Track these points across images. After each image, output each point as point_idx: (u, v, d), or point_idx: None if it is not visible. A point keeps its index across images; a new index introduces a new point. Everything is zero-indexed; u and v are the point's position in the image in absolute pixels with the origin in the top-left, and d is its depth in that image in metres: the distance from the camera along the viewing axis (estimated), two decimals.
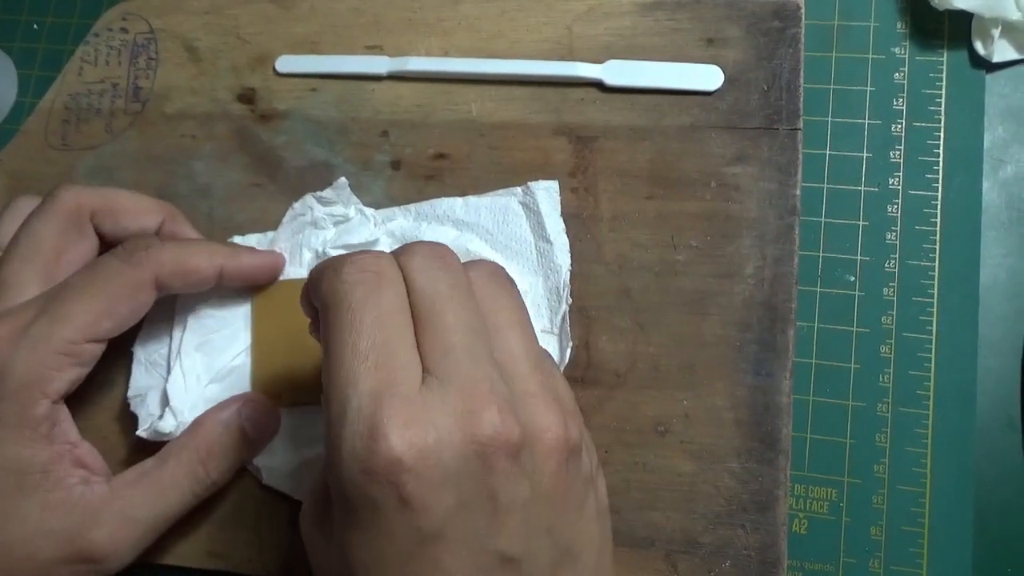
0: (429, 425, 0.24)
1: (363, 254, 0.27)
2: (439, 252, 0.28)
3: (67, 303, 0.32)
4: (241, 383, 0.38)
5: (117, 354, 0.39)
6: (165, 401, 0.36)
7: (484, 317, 0.27)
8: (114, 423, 0.38)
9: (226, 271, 0.36)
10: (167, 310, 0.38)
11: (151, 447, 0.36)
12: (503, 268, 0.29)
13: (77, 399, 0.34)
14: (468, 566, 0.24)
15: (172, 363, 0.37)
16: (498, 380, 0.25)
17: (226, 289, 0.38)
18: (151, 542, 0.34)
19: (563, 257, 0.37)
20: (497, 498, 0.24)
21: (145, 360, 0.38)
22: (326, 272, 0.27)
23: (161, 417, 0.36)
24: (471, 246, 0.38)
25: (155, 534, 0.34)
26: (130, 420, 0.37)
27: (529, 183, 0.39)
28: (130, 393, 0.37)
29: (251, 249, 0.38)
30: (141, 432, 0.36)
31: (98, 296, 0.33)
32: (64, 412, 0.34)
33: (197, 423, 0.35)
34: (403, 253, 0.27)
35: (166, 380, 0.37)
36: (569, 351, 0.36)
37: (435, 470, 0.23)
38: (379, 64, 0.42)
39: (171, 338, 0.38)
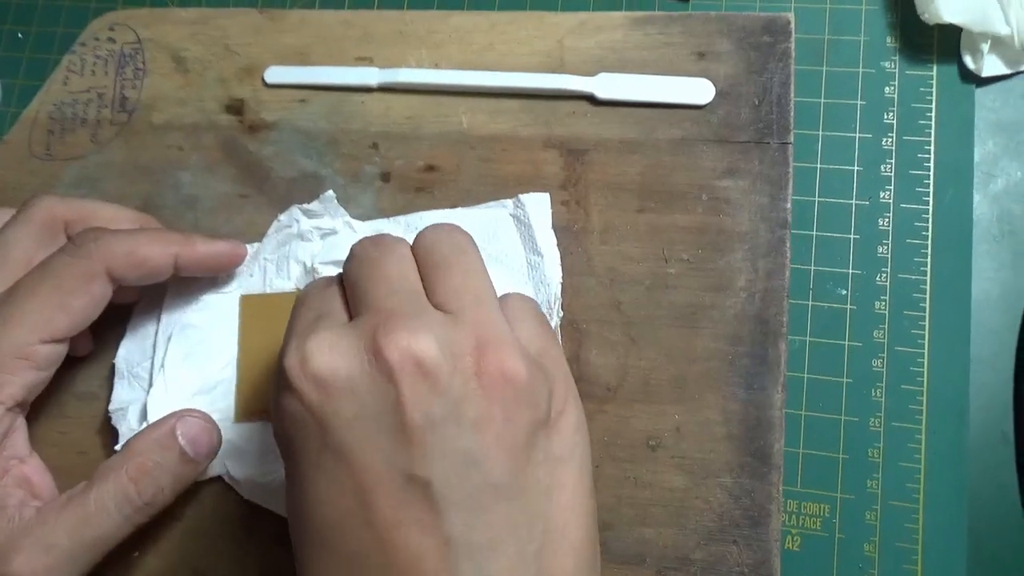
0: (336, 341, 0.25)
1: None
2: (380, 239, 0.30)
3: (17, 304, 0.32)
4: (227, 395, 0.37)
5: (99, 366, 0.38)
6: (144, 415, 0.35)
7: (424, 266, 0.28)
8: (95, 437, 0.38)
9: (181, 259, 0.35)
10: (151, 322, 0.37)
11: None
12: (458, 228, 0.30)
13: (57, 412, 0.34)
14: (373, 482, 0.24)
15: (155, 375, 0.36)
16: (416, 306, 0.26)
17: (213, 300, 0.38)
18: (80, 571, 0.31)
19: (554, 270, 0.37)
20: (403, 414, 0.24)
21: (128, 373, 0.37)
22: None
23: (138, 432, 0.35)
24: None
25: (82, 562, 0.31)
26: (112, 435, 0.37)
27: (520, 195, 0.38)
28: (111, 407, 0.37)
29: (207, 237, 0.37)
30: (119, 447, 0.35)
31: (48, 293, 0.32)
32: (19, 422, 0.32)
33: (129, 443, 0.33)
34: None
35: (148, 394, 0.36)
36: None
37: (335, 380, 0.24)
38: (369, 75, 0.41)
39: (155, 350, 0.37)
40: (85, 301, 0.33)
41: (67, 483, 0.37)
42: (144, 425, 0.35)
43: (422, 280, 0.28)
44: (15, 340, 0.31)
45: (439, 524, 0.23)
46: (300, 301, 0.29)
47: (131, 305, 0.39)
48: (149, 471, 0.32)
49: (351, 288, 0.28)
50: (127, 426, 0.36)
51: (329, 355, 0.25)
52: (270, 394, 0.27)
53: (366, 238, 0.30)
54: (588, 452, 0.27)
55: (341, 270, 0.37)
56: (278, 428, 0.26)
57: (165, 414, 0.35)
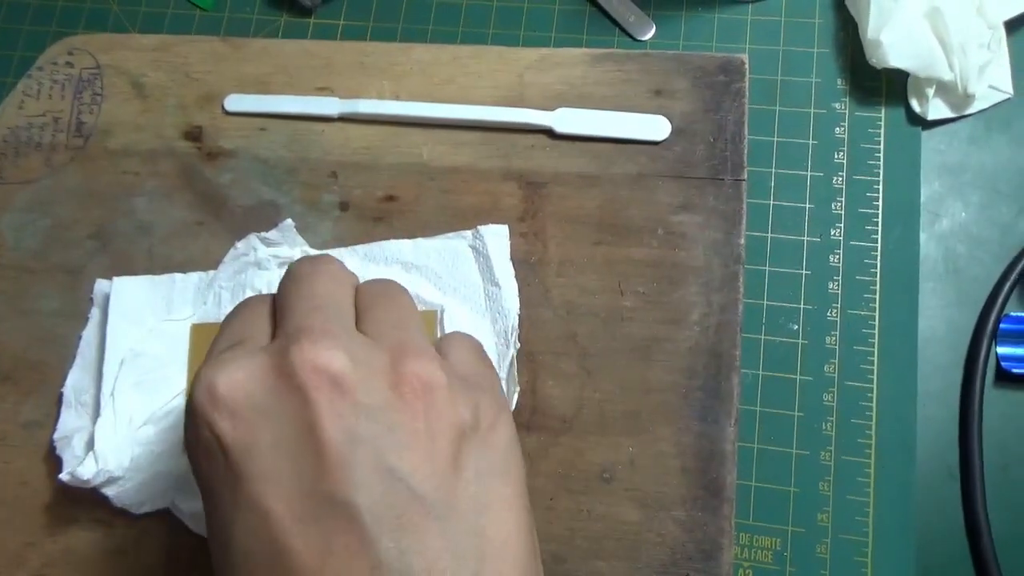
0: (246, 365, 0.24)
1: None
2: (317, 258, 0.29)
3: None
4: (177, 426, 0.36)
5: (44, 396, 0.38)
6: (91, 444, 0.35)
7: (358, 306, 0.27)
8: (39, 466, 0.37)
9: None
10: (99, 350, 0.37)
11: (75, 492, 0.34)
12: (397, 283, 0.29)
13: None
14: (294, 510, 0.22)
15: (103, 403, 0.36)
16: (336, 323, 0.25)
17: (165, 328, 0.37)
18: None
19: (512, 301, 0.37)
20: (320, 434, 0.22)
21: (75, 401, 0.36)
22: None
23: (83, 461, 0.34)
24: (419, 289, 0.38)
25: None
26: (56, 463, 0.36)
27: (479, 227, 0.38)
28: (56, 435, 0.36)
29: None
30: (63, 476, 0.34)
31: None
32: None
33: None
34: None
35: (94, 422, 0.35)
36: (516, 396, 0.36)
37: (247, 406, 0.23)
38: (330, 105, 0.41)
39: (102, 377, 0.36)
40: None
41: (9, 514, 0.36)
42: (90, 454, 0.34)
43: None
44: None
45: (368, 549, 0.22)
46: (226, 321, 0.28)
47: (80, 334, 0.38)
48: None
49: (279, 307, 0.27)
50: (71, 453, 0.35)
51: (238, 381, 0.23)
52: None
53: (304, 257, 0.29)
54: (522, 467, 0.26)
55: None
56: (193, 463, 0.25)
57: (112, 444, 0.34)
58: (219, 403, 0.23)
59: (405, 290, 0.29)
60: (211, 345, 0.27)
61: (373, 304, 0.27)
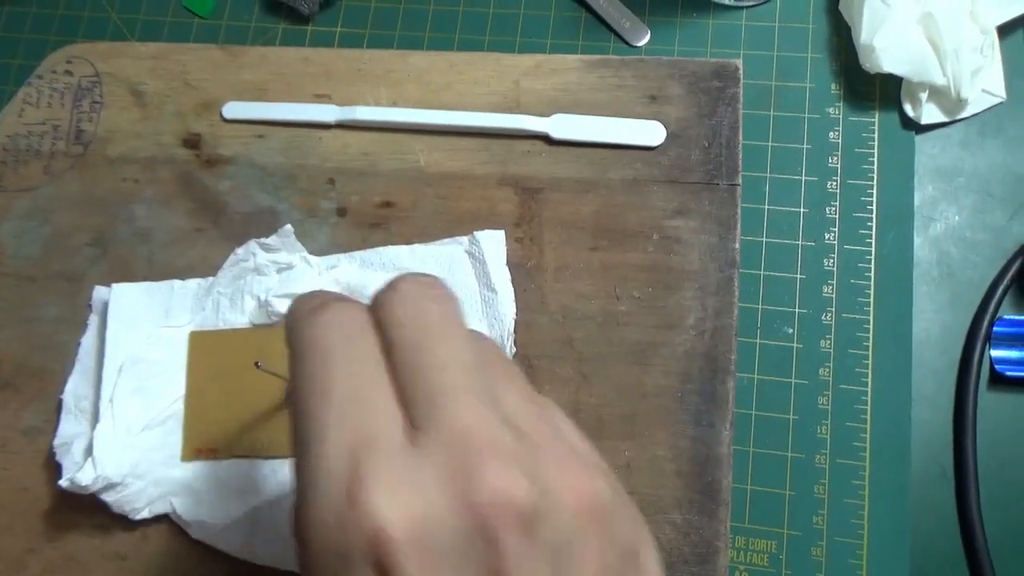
0: (417, 490, 0.19)
1: (333, 301, 0.23)
2: (427, 280, 0.23)
3: None
4: (176, 432, 0.37)
5: (44, 403, 0.38)
6: (90, 450, 0.35)
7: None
8: (39, 472, 0.37)
9: None
10: (98, 356, 0.37)
11: (74, 498, 0.34)
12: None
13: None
14: None
15: (103, 409, 0.36)
16: (501, 427, 0.20)
17: (165, 335, 0.38)
18: None
19: (508, 306, 0.38)
20: None
21: (74, 408, 0.37)
22: (296, 319, 0.23)
23: (82, 467, 0.34)
24: None
25: None
26: (56, 469, 0.36)
27: (475, 232, 0.39)
28: (56, 441, 0.36)
29: None
30: (62, 482, 0.34)
31: None
32: None
33: None
34: (383, 290, 0.23)
35: (93, 428, 0.35)
36: None
37: (427, 549, 0.18)
38: (327, 112, 0.42)
39: (102, 384, 0.37)
40: None
41: (9, 519, 0.36)
42: (89, 460, 0.34)
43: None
44: None
45: None
46: (319, 374, 0.21)
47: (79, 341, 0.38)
48: None
49: (408, 373, 0.21)
50: (71, 459, 0.35)
51: (415, 512, 0.18)
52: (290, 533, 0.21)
53: (410, 287, 0.23)
54: None
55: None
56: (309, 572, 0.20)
57: (111, 449, 0.35)
58: (396, 541, 0.18)
59: (454, 301, 0.23)
60: (312, 416, 0.21)
61: (486, 372, 0.22)
